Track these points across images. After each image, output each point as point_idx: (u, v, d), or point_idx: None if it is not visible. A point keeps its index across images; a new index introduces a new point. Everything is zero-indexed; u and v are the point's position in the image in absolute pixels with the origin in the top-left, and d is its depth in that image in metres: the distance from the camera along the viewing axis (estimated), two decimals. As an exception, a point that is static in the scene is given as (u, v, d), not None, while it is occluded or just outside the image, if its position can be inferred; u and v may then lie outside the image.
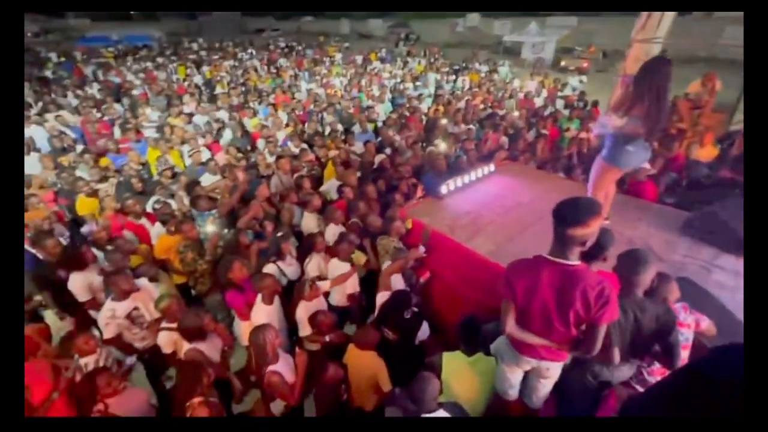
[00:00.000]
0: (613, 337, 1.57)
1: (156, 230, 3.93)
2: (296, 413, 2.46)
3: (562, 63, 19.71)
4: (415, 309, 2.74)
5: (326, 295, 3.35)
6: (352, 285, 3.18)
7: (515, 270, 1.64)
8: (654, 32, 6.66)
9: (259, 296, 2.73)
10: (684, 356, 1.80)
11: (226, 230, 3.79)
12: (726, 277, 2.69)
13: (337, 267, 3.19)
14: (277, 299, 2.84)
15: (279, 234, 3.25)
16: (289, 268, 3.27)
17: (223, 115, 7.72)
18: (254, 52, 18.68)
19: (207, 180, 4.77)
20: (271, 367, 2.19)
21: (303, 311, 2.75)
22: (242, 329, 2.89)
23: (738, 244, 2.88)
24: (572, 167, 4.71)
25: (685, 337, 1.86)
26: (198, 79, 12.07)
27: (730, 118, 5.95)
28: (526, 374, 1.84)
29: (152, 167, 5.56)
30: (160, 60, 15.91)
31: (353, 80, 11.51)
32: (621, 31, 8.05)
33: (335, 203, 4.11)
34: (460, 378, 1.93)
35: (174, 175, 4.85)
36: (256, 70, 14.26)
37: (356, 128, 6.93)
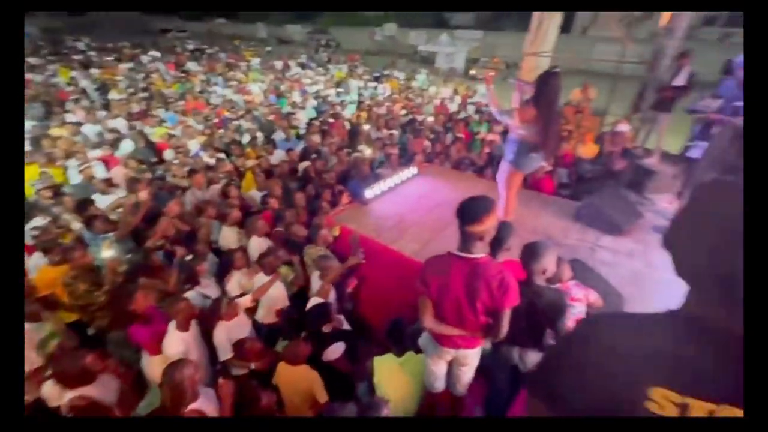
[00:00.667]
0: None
1: (35, 261, 3.30)
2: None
3: (472, 72, 21.50)
4: (343, 323, 2.71)
5: (253, 312, 3.16)
6: (281, 299, 3.04)
7: (428, 267, 1.74)
8: (541, 47, 7.65)
9: (172, 323, 2.45)
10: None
11: (129, 254, 3.35)
12: (607, 254, 3.18)
13: (263, 282, 3.02)
14: (194, 324, 2.58)
15: (189, 258, 2.96)
16: (207, 290, 3.00)
17: (119, 124, 6.82)
18: (158, 54, 16.90)
19: (100, 199, 4.16)
20: (191, 406, 1.97)
21: (222, 333, 2.53)
22: (153, 366, 2.55)
23: (612, 227, 3.43)
24: (483, 167, 5.15)
25: (578, 310, 2.15)
26: (86, 84, 10.49)
27: (603, 121, 7.09)
28: (449, 365, 1.95)
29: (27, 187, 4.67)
30: (33, 60, 13.48)
31: (271, 86, 11.11)
32: (519, 44, 9.09)
33: (260, 214, 3.91)
34: (391, 378, 1.96)
35: (56, 195, 4.14)
36: (160, 74, 12.92)
37: (278, 135, 6.69)
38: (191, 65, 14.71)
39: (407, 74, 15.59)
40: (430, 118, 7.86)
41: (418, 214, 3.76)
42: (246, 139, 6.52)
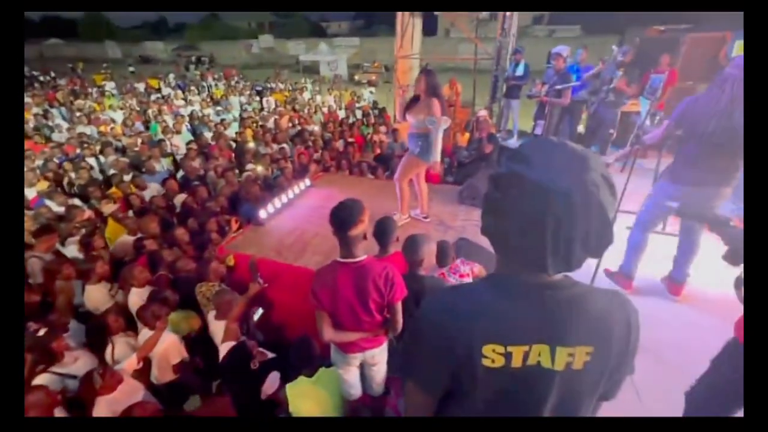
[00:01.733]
0: None
1: None
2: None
3: (356, 77, 22.22)
4: (270, 355, 2.52)
5: (146, 374, 2.72)
6: (175, 352, 2.67)
7: (316, 280, 1.74)
8: (410, 50, 8.29)
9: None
10: None
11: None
12: (489, 228, 3.60)
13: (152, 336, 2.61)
14: (60, 412, 2.10)
15: (40, 333, 2.37)
16: (74, 366, 2.46)
17: None
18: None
19: None
20: None
21: (104, 410, 2.11)
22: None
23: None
24: (376, 167, 5.35)
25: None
26: None
27: (473, 111, 8.05)
28: (361, 369, 1.97)
29: None
30: None
31: (135, 112, 9.76)
32: (393, 48, 9.70)
33: (135, 261, 3.37)
34: (306, 400, 1.89)
35: None
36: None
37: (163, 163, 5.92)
38: (18, 97, 11.98)
39: (294, 85, 15.33)
40: (317, 128, 7.85)
41: (318, 226, 3.71)
42: (111, 175, 5.56)
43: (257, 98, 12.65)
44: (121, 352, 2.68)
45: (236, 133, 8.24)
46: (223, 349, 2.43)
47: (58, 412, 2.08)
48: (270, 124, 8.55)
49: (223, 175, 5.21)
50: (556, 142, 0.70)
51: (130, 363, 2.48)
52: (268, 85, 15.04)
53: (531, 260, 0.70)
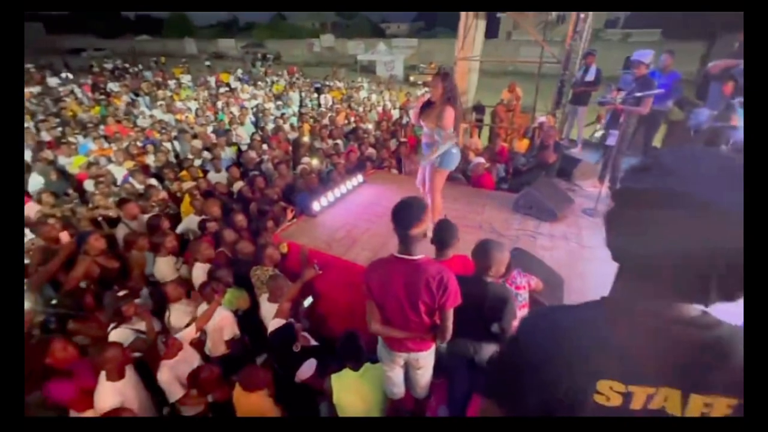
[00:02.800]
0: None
1: None
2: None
3: (411, 78, 22.21)
4: (312, 342, 2.61)
5: (200, 345, 2.93)
6: (229, 329, 2.84)
7: (370, 271, 1.75)
8: (471, 52, 8.10)
9: (103, 374, 2.18)
10: (522, 315, 2.18)
11: (51, 303, 2.94)
12: (545, 240, 3.40)
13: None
14: (130, 370, 2.33)
15: (118, 294, 2.66)
16: (139, 326, 2.72)
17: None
18: (70, 76, 15.35)
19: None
20: None
21: (167, 374, 2.31)
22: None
23: (548, 214, 3.68)
24: (428, 169, 5.29)
25: (523, 297, 2.25)
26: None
27: (533, 117, 7.67)
28: (405, 369, 1.95)
29: None
30: None
31: (208, 103, 10.58)
32: (452, 50, 9.56)
33: (200, 239, 3.65)
34: (350, 393, 1.92)
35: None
36: (76, 97, 11.72)
37: (223, 151, 6.38)
38: (112, 86, 13.53)
39: (349, 84, 15.69)
40: (371, 126, 7.94)
41: (368, 222, 3.76)
42: (184, 159, 6.09)
43: (315, 95, 13.12)
44: (177, 318, 2.91)
45: (294, 126, 8.63)
46: (273, 324, 2.55)
47: (129, 371, 2.30)
48: (326, 121, 8.81)
49: (278, 167, 5.47)
50: (700, 150, 0.61)
51: (189, 332, 2.69)
52: (327, 83, 15.54)
53: (684, 289, 0.60)
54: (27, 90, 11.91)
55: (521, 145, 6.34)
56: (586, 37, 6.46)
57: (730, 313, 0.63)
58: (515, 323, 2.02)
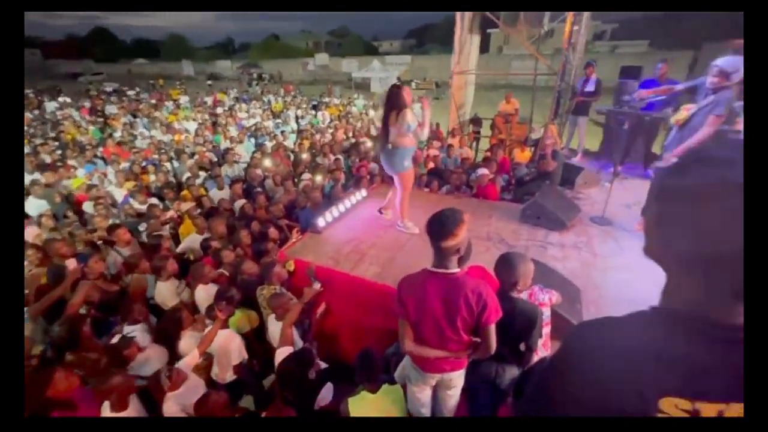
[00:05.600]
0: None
1: None
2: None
3: (407, 93, 22.54)
4: (322, 365, 2.50)
5: (208, 369, 2.82)
6: (236, 353, 2.73)
7: (404, 286, 1.66)
8: (466, 66, 8.24)
9: (106, 405, 2.07)
10: (546, 332, 2.09)
11: (51, 330, 2.82)
12: (555, 250, 3.35)
13: (218, 335, 2.71)
14: (134, 399, 2.21)
15: (121, 333, 2.54)
16: (146, 367, 2.59)
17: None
18: (68, 100, 15.44)
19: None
20: None
21: (173, 407, 2.19)
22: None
23: (557, 223, 3.64)
24: (430, 181, 5.27)
25: (546, 315, 2.16)
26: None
27: (530, 128, 7.75)
28: (434, 390, 1.86)
29: None
30: None
31: (206, 123, 10.63)
32: (444, 65, 9.74)
33: (201, 260, 3.57)
34: (371, 414, 1.81)
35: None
36: (74, 120, 11.75)
37: (225, 169, 6.36)
38: (110, 108, 13.60)
39: (344, 100, 15.87)
40: (369, 142, 7.97)
41: (375, 236, 3.69)
42: (185, 178, 6.05)
43: (312, 112, 13.24)
44: (189, 346, 2.80)
45: (294, 143, 8.66)
46: (280, 354, 2.44)
47: (132, 401, 2.19)
48: (326, 137, 8.85)
49: (282, 183, 5.44)
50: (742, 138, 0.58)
51: (191, 358, 2.57)
52: (323, 100, 15.72)
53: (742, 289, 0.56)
54: (25, 114, 11.94)
55: (524, 155, 6.36)
56: (580, 48, 6.59)
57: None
58: (540, 342, 1.95)
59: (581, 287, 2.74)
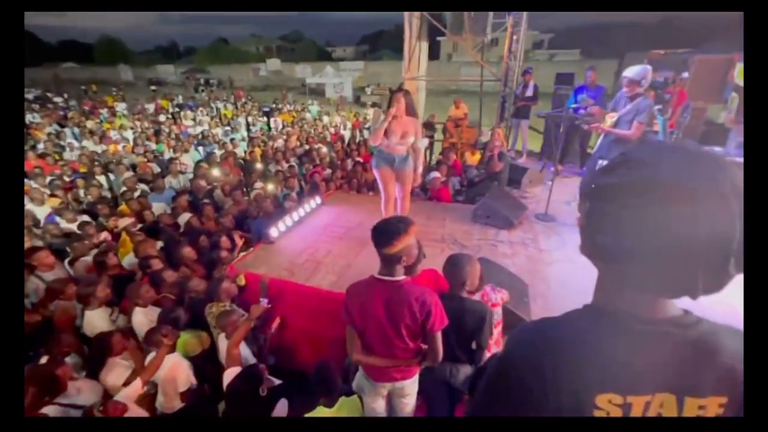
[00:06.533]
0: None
1: None
2: None
3: (361, 99, 22.67)
4: (274, 381, 2.39)
5: (151, 402, 2.58)
6: (183, 379, 2.53)
7: (350, 294, 1.65)
8: (417, 72, 8.44)
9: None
10: (496, 333, 2.16)
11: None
12: (505, 248, 3.50)
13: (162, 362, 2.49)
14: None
15: (42, 360, 2.24)
16: (79, 397, 2.31)
17: None
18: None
19: None
20: None
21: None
22: None
23: (505, 222, 3.82)
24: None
25: (498, 314, 2.23)
26: None
27: (479, 131, 8.11)
28: (388, 398, 1.85)
29: None
30: None
31: (148, 131, 9.90)
32: (397, 71, 9.91)
33: (140, 281, 3.28)
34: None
35: None
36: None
37: (170, 180, 5.93)
38: (29, 117, 12.22)
39: (298, 106, 15.59)
40: (324, 148, 7.89)
41: (330, 244, 3.63)
42: (122, 192, 5.55)
43: (264, 119, 12.85)
44: (118, 375, 2.54)
45: (244, 151, 8.32)
46: (227, 376, 2.31)
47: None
48: (279, 143, 8.61)
49: (231, 193, 5.18)
50: (660, 141, 0.62)
51: (134, 389, 2.35)
52: (276, 106, 15.32)
53: (670, 282, 0.59)
54: None
55: (474, 158, 6.62)
56: (520, 56, 7.03)
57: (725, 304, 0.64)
58: (491, 340, 2.01)
59: (529, 282, 2.88)
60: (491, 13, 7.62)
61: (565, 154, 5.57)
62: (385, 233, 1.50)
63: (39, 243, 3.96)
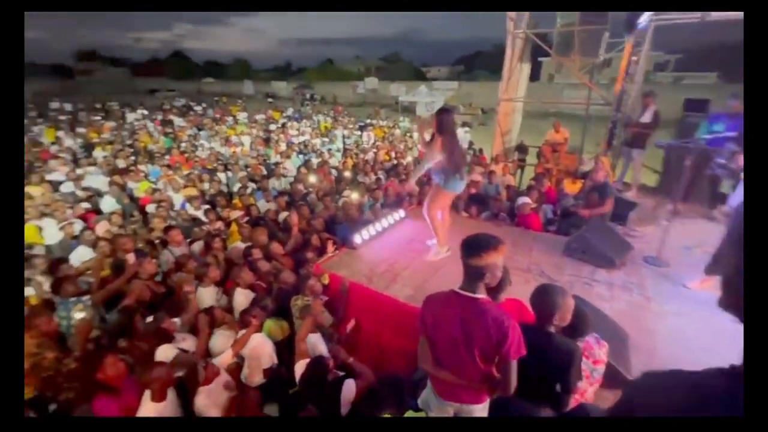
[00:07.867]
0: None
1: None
2: None
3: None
4: (339, 374, 2.50)
5: (237, 372, 2.91)
6: (267, 357, 2.81)
7: (428, 303, 1.66)
8: (515, 93, 8.17)
9: (147, 393, 2.20)
10: (591, 391, 1.92)
11: (106, 318, 3.10)
12: (603, 289, 3.13)
13: (251, 338, 2.81)
14: (171, 392, 2.33)
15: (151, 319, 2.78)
16: (184, 344, 2.77)
17: (94, 181, 6.70)
18: (145, 112, 17.32)
19: (80, 256, 3.97)
20: None
21: (204, 400, 2.29)
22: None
23: (605, 260, 3.41)
24: (469, 206, 5.19)
25: (599, 372, 1.96)
26: (70, 143, 10.51)
27: (580, 158, 7.43)
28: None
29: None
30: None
31: (258, 138, 11.41)
32: (491, 92, 9.74)
33: (243, 265, 3.76)
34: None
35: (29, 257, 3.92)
36: (147, 131, 13.14)
37: (273, 182, 6.76)
38: (178, 121, 15.02)
39: (390, 122, 16.28)
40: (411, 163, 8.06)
41: (410, 258, 3.69)
42: (236, 188, 6.50)
43: (358, 132, 13.73)
44: (221, 344, 2.93)
45: (338, 162, 8.99)
46: (298, 368, 2.48)
47: (170, 393, 2.31)
48: (369, 156, 9.10)
49: (322, 199, 5.63)
50: None
51: (225, 357, 2.69)
52: (370, 122, 16.25)
53: None
54: (107, 124, 13.56)
55: (574, 187, 6.07)
56: (639, 78, 6.31)
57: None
58: (581, 387, 1.80)
59: (630, 332, 2.52)
60: (606, 33, 7.02)
61: (690, 193, 4.75)
62: (476, 244, 1.49)
63: (173, 223, 4.85)
